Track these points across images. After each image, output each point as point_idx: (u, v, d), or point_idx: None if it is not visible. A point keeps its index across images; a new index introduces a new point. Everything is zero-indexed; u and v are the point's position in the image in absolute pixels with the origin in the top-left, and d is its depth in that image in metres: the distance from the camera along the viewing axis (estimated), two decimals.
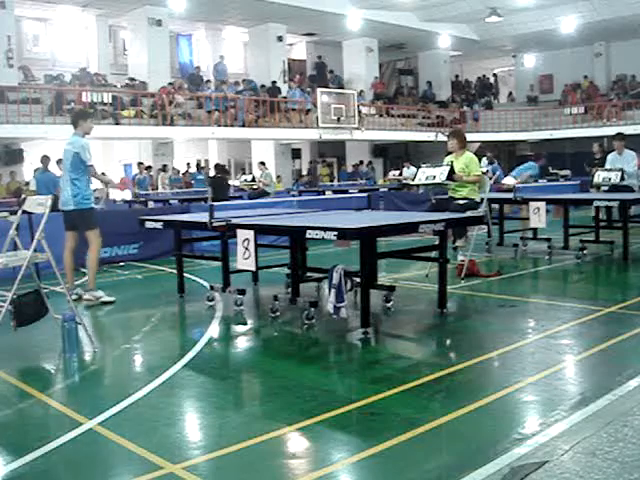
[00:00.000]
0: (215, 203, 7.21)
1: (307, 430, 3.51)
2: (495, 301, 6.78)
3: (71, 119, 7.30)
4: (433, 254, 6.75)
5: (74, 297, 7.02)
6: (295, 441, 3.48)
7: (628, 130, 21.64)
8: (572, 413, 3.54)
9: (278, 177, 22.46)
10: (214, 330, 5.84)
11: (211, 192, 14.13)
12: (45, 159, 13.28)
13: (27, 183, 16.33)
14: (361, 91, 25.47)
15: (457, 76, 32.87)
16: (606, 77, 29.42)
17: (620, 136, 10.65)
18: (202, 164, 23.47)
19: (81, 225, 6.97)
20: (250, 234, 5.85)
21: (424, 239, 7.73)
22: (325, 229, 5.23)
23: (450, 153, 8.10)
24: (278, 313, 6.12)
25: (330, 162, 28.27)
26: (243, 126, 21.50)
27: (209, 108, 20.83)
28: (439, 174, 7.63)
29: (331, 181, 25.98)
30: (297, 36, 27.48)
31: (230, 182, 19.26)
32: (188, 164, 22.77)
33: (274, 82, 23.68)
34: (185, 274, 7.52)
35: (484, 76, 33.56)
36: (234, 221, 6.20)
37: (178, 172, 21.40)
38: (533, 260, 9.34)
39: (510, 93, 33.15)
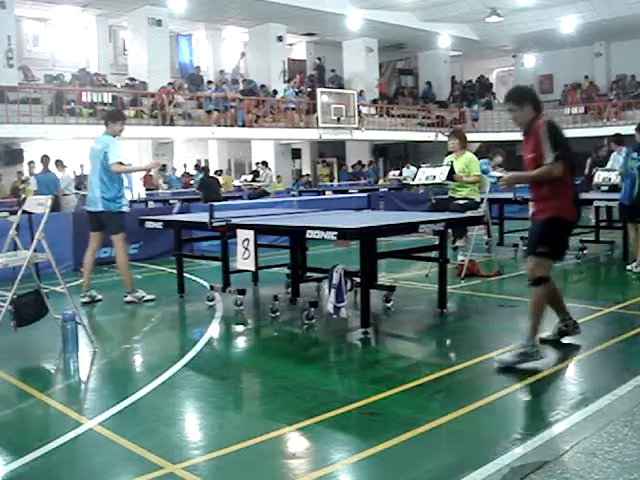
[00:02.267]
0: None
1: (307, 430, 3.51)
2: (495, 301, 6.78)
3: (103, 119, 7.26)
4: (433, 254, 6.75)
5: (86, 299, 7.00)
6: (295, 441, 3.48)
7: (628, 130, 21.64)
8: (572, 413, 3.54)
9: (278, 177, 22.44)
10: (214, 330, 5.84)
11: (201, 193, 14.22)
12: (45, 159, 13.28)
13: (23, 182, 16.40)
14: (361, 91, 25.44)
15: (454, 77, 32.81)
16: (606, 77, 29.39)
17: (617, 137, 10.69)
18: (202, 164, 23.46)
19: (108, 227, 6.92)
20: (250, 234, 5.85)
21: (424, 239, 7.72)
22: (325, 229, 5.23)
23: (450, 153, 8.10)
24: (278, 313, 6.12)
25: (330, 162, 28.24)
26: (243, 126, 21.49)
27: (209, 108, 20.82)
28: (439, 174, 7.63)
29: (331, 181, 25.95)
30: (297, 36, 27.46)
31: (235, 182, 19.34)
32: (185, 165, 22.73)
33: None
34: (185, 274, 7.52)
35: (488, 76, 33.49)
36: (234, 221, 6.20)
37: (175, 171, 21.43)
38: None
39: None
